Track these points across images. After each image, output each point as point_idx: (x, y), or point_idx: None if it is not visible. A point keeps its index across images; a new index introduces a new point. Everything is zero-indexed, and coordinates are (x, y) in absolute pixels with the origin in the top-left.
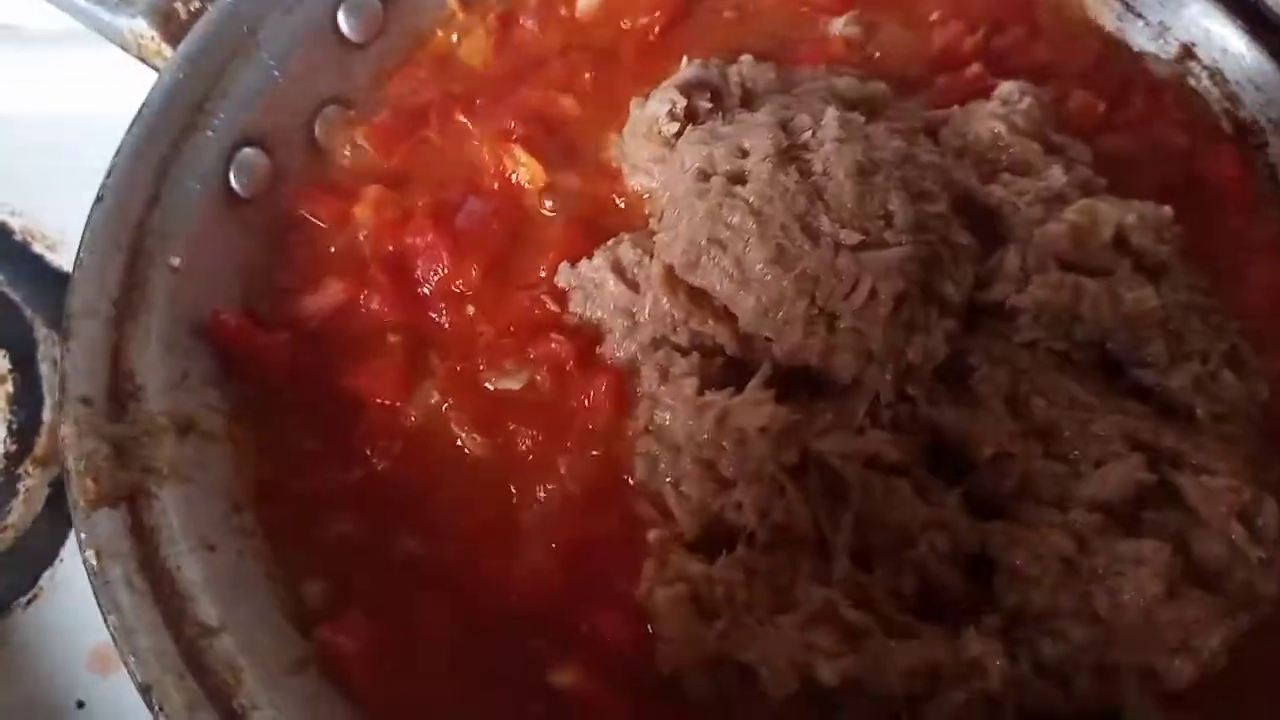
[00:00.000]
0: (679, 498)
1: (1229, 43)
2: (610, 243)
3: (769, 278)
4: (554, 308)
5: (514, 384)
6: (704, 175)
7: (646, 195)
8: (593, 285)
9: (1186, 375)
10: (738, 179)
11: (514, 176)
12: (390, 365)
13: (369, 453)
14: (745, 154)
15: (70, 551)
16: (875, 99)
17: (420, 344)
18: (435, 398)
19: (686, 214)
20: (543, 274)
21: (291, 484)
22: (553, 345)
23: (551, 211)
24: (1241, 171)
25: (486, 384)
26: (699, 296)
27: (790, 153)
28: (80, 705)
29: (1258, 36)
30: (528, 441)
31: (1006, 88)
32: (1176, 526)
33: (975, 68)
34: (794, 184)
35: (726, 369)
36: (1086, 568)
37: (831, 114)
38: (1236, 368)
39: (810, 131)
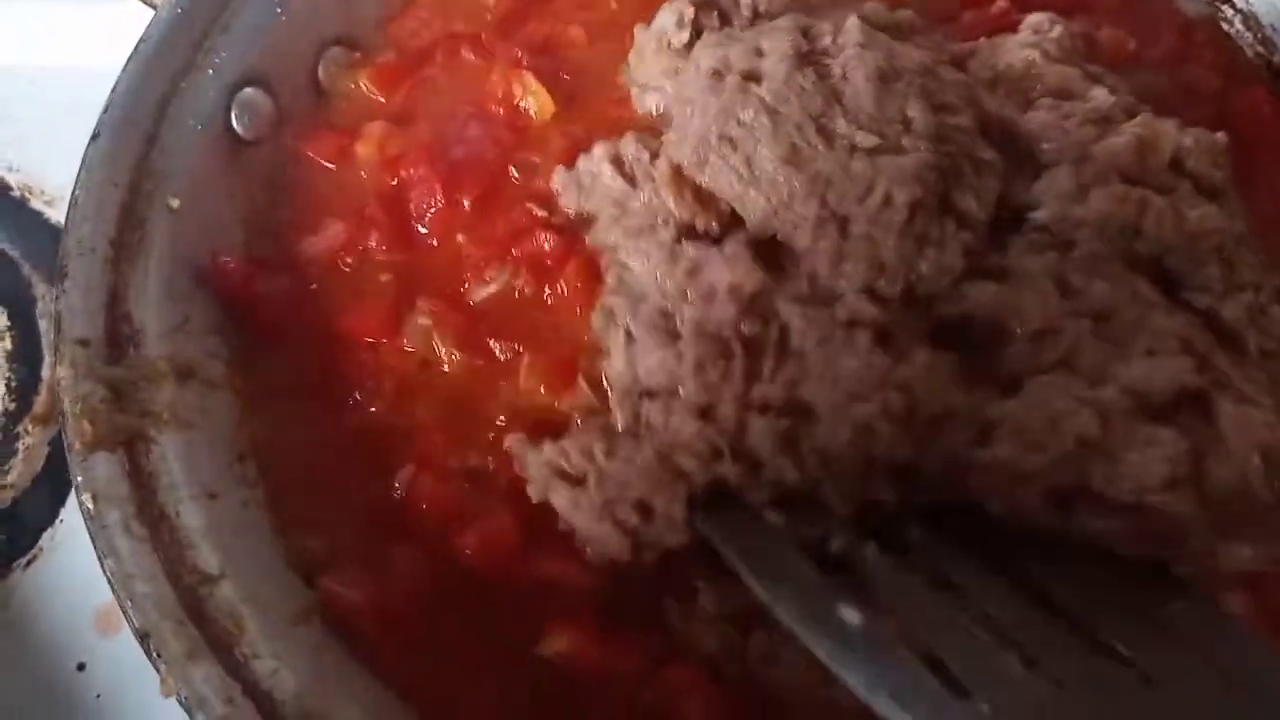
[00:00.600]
0: (625, 345)
1: None
2: (614, 139)
3: (780, 178)
4: (541, 212)
5: (494, 288)
6: (718, 75)
7: (658, 114)
8: (589, 177)
9: (1240, 305)
10: (753, 77)
11: (522, 104)
12: (380, 304)
13: (359, 396)
14: (762, 54)
15: (71, 511)
16: (902, 25)
17: (411, 281)
18: (423, 333)
19: (699, 111)
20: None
21: (291, 432)
22: (534, 242)
23: (559, 137)
24: (1276, 116)
25: (470, 301)
26: (706, 198)
27: (809, 56)
28: (81, 668)
29: None
30: (506, 355)
31: (1035, 18)
32: (1199, 439)
33: (1002, 3)
34: (811, 85)
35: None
36: (1100, 445)
37: (854, 21)
38: None
39: (830, 37)
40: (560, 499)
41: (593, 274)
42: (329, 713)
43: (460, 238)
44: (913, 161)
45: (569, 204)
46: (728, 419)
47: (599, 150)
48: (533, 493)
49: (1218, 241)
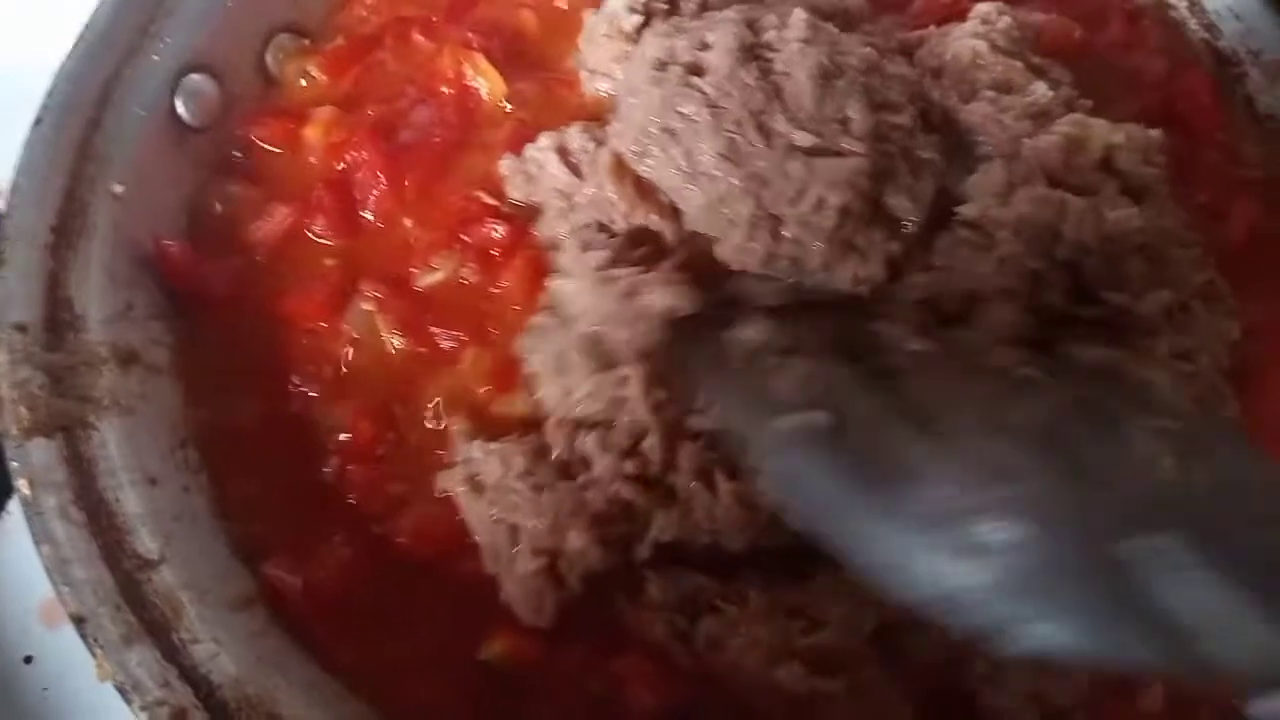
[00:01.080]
0: (554, 374)
1: None
2: (559, 129)
3: (718, 173)
4: (490, 200)
5: (440, 276)
6: (661, 65)
7: (608, 97)
8: (535, 166)
9: (1157, 303)
10: (696, 70)
11: (473, 84)
12: (323, 287)
13: (297, 381)
14: (707, 47)
15: (16, 504)
16: (850, 11)
17: (356, 266)
18: (366, 317)
19: (642, 101)
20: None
21: (234, 418)
22: (483, 230)
23: (507, 120)
24: (1219, 103)
25: (415, 286)
26: (646, 189)
27: (753, 50)
28: (28, 660)
29: None
30: (450, 344)
31: (984, 7)
32: None
33: None
34: (753, 80)
35: (648, 256)
36: None
37: (799, 15)
38: (1211, 302)
39: (775, 31)
40: (465, 503)
41: (539, 271)
42: (268, 697)
43: (407, 222)
44: (848, 165)
45: (515, 193)
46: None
47: (545, 139)
48: (441, 482)
49: (1139, 241)
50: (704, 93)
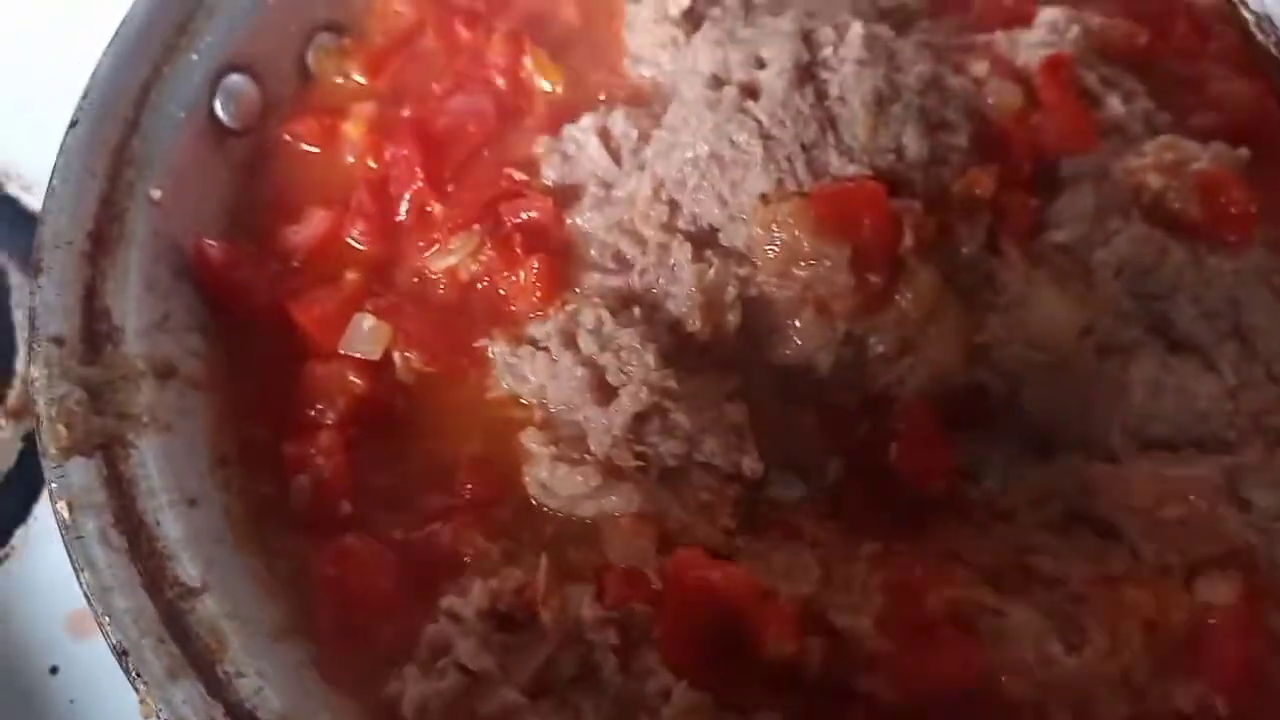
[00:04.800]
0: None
1: None
2: (603, 109)
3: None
4: (521, 176)
5: (453, 260)
6: (717, 82)
7: (653, 83)
8: (574, 146)
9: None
10: (751, 92)
11: (527, 76)
12: (333, 298)
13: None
14: (762, 64)
15: (45, 509)
16: (909, 7)
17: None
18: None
19: (694, 120)
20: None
21: (271, 442)
22: (515, 207)
23: (547, 106)
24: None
25: (429, 270)
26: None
27: (810, 69)
28: (54, 671)
29: None
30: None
31: (1051, 14)
32: None
33: None
34: (808, 108)
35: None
36: None
37: (856, 31)
38: None
39: (832, 47)
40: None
41: (554, 275)
42: None
43: (436, 206)
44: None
45: (551, 172)
46: None
47: (588, 120)
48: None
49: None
50: (758, 120)
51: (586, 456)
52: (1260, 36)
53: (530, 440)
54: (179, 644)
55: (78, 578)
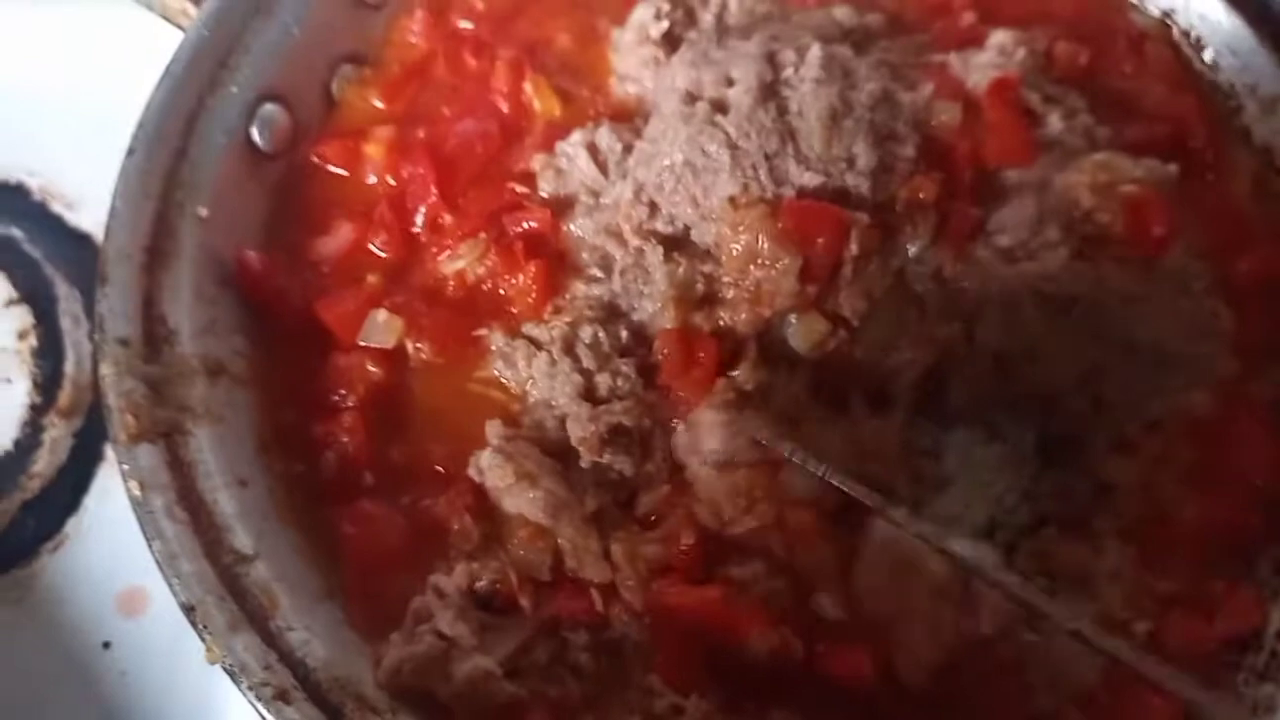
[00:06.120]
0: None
1: (1206, 8)
2: (590, 125)
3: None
4: (522, 189)
5: (461, 264)
6: (691, 98)
7: (637, 99)
8: (566, 160)
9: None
10: (720, 107)
11: (529, 103)
12: (354, 298)
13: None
14: (731, 83)
15: (94, 499)
16: (870, 29)
17: (398, 279)
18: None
19: (670, 131)
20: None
21: (302, 425)
22: (517, 218)
23: (546, 127)
24: (1217, 134)
25: (438, 273)
26: (656, 215)
27: (773, 87)
28: (106, 646)
29: (1234, 2)
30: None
31: (1000, 38)
32: None
33: (969, 16)
34: (771, 122)
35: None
36: None
37: (815, 53)
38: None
39: (793, 68)
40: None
41: (552, 277)
42: (354, 679)
43: (447, 217)
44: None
45: (546, 185)
46: None
47: (577, 135)
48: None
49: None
50: (727, 132)
51: (526, 453)
52: (1189, 53)
53: (491, 429)
54: (237, 602)
55: (149, 546)
